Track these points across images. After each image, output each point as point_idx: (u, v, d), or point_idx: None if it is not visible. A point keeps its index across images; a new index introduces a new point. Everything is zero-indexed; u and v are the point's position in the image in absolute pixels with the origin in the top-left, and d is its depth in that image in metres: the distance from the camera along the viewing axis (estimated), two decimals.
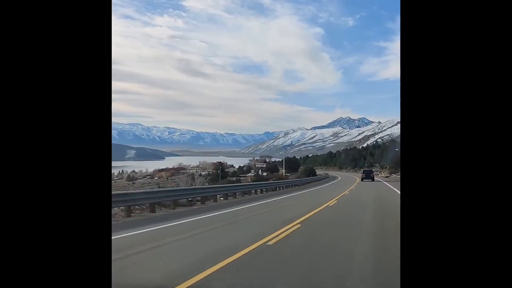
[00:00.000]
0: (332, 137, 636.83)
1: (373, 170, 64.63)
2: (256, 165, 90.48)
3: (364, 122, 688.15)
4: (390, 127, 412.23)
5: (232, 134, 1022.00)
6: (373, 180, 45.44)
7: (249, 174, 75.97)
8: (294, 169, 79.87)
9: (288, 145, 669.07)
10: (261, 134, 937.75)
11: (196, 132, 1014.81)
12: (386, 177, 62.97)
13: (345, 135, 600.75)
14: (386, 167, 79.44)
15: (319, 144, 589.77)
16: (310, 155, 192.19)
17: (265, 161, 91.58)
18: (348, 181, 44.47)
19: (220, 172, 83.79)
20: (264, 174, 71.09)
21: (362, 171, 52.00)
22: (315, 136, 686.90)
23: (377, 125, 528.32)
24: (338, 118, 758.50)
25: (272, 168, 76.38)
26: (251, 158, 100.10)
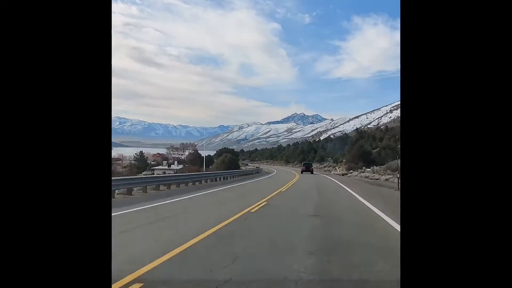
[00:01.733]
0: (286, 133, 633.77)
1: (325, 165, 66.88)
2: (173, 155, 71.00)
3: (317, 118, 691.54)
4: (342, 124, 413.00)
5: (185, 127, 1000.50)
6: (312, 173, 46.79)
7: (161, 167, 56.54)
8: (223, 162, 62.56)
9: (242, 139, 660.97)
10: (215, 128, 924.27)
11: (148, 123, 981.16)
12: (343, 174, 44.83)
13: (299, 131, 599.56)
14: (342, 161, 61.80)
15: (273, 139, 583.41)
16: (261, 149, 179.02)
17: (183, 151, 71.16)
18: (276, 182, 26.33)
19: (138, 163, 65.78)
20: (179, 167, 54.68)
21: (302, 164, 54.30)
22: (269, 131, 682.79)
23: (330, 122, 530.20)
24: (292, 114, 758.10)
25: (195, 159, 57.50)
26: (168, 147, 78.32)
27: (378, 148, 53.84)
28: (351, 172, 43.24)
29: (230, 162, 47.52)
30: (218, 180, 26.70)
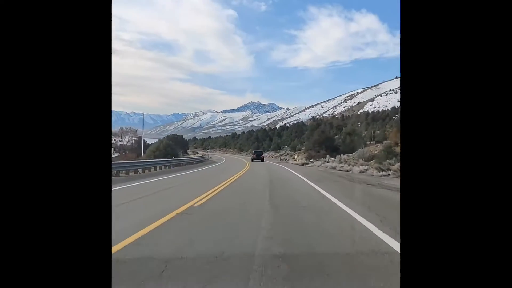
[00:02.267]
0: (242, 121, 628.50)
1: (281, 153, 63.61)
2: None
3: (273, 107, 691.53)
4: (298, 113, 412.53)
5: (139, 114, 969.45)
6: (262, 160, 45.49)
7: None
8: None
9: (197, 127, 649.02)
10: (169, 115, 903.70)
11: None
12: (303, 164, 34.98)
13: (255, 119, 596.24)
14: (300, 149, 54.28)
15: (229, 127, 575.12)
16: (215, 137, 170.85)
17: (122, 137, 60.67)
18: (216, 176, 17.75)
19: None
20: (115, 154, 46.21)
21: (253, 152, 52.43)
22: (225, 119, 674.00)
23: (286, 111, 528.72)
24: (248, 103, 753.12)
25: (137, 147, 48.19)
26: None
27: (341, 134, 46.66)
28: (312, 162, 34.72)
29: (166, 149, 38.66)
30: (152, 170, 21.53)
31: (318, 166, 30.57)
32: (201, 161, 40.92)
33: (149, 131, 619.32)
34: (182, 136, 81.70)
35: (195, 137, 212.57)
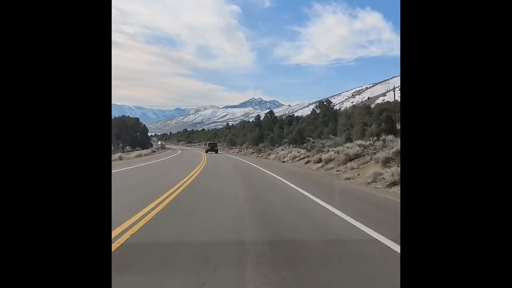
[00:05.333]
0: (243, 117, 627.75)
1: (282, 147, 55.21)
2: None
3: (275, 104, 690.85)
4: (300, 109, 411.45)
5: (141, 108, 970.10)
6: (216, 152, 44.03)
7: None
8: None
9: (199, 122, 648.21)
10: (172, 110, 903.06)
11: None
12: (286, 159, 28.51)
13: (256, 115, 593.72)
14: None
15: (230, 123, 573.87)
16: (206, 130, 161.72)
17: None
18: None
19: None
20: None
21: (208, 144, 49.17)
22: (226, 115, 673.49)
23: (287, 108, 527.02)
24: (250, 99, 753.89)
25: None
26: None
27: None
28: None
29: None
30: None
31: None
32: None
33: (150, 125, 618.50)
34: (142, 123, 65.65)
35: (185, 129, 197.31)
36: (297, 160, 23.67)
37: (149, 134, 70.88)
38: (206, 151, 43.98)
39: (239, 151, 52.51)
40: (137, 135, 58.71)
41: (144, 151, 38.60)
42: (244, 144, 54.40)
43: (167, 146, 76.69)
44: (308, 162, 20.68)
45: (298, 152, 25.54)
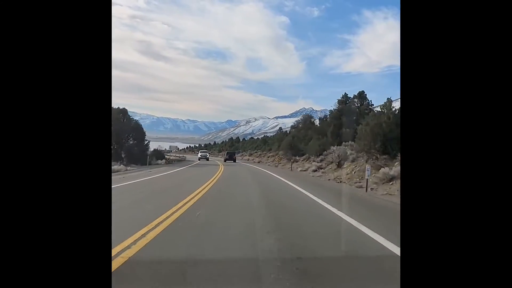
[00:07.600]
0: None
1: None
2: None
3: (326, 113, 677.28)
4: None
5: (194, 121, 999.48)
6: (234, 161, 41.79)
7: None
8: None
9: (249, 133, 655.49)
10: (223, 122, 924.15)
11: (157, 117, 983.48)
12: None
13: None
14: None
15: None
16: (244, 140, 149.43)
17: None
18: None
19: None
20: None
21: (226, 153, 48.68)
22: (277, 125, 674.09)
23: None
24: (301, 109, 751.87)
25: None
26: None
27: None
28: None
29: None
30: None
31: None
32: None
33: (202, 138, 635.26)
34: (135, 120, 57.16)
35: (231, 137, 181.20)
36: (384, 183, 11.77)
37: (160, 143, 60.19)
38: (225, 160, 40.98)
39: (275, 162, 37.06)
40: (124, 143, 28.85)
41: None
42: (278, 153, 39.81)
43: (187, 157, 56.24)
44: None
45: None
